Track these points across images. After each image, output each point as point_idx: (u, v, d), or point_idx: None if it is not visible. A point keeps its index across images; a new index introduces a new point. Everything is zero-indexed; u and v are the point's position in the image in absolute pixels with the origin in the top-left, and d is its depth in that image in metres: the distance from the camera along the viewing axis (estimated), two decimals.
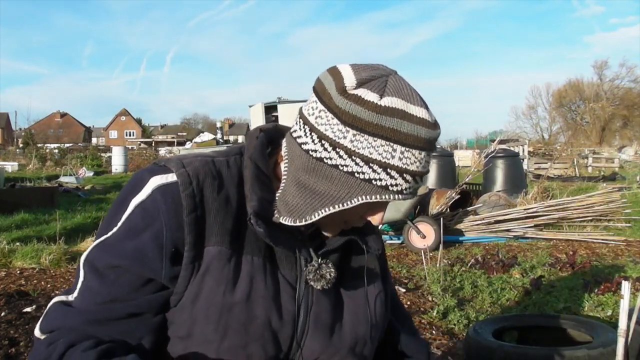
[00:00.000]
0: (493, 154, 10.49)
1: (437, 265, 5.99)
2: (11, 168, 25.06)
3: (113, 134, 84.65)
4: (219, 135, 26.26)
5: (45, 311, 1.02)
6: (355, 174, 0.94)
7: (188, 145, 30.38)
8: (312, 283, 1.07)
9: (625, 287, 2.42)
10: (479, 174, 11.17)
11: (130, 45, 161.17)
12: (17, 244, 7.12)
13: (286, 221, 1.01)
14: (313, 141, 0.97)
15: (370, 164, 0.93)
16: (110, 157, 29.46)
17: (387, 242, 7.97)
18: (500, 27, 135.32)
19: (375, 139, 0.93)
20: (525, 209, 8.56)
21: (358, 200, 0.96)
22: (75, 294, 1.00)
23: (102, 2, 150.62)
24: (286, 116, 20.26)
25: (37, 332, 1.00)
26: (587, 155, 27.31)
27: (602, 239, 7.87)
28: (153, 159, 26.65)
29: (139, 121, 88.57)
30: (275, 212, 1.03)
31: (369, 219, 1.05)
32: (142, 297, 0.99)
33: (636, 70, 54.43)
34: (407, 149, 0.94)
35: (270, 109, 22.59)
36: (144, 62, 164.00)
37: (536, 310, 4.52)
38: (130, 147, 40.11)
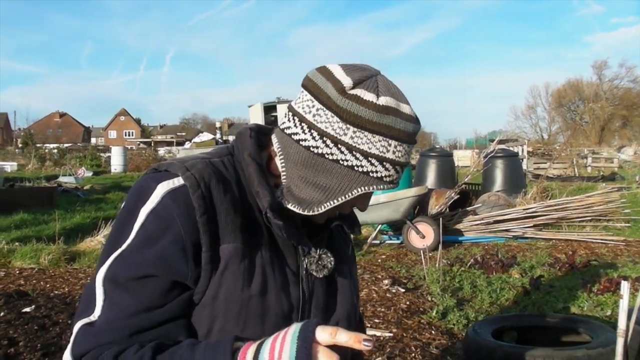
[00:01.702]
0: (492, 154, 10.48)
1: (437, 265, 5.99)
2: (10, 168, 25.04)
3: (112, 134, 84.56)
4: (218, 136, 26.15)
5: (72, 338, 1.00)
6: (355, 167, 1.04)
7: (187, 145, 30.33)
8: (315, 273, 1.15)
9: (625, 287, 2.42)
10: (478, 174, 11.17)
11: (129, 45, 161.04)
12: (16, 244, 7.12)
13: (295, 208, 1.08)
14: (313, 138, 1.04)
15: (369, 158, 1.03)
16: (109, 157, 29.43)
17: (387, 242, 7.98)
18: (500, 27, 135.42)
19: (374, 135, 1.02)
20: (524, 209, 8.56)
21: (358, 192, 1.05)
22: (98, 312, 0.99)
23: (101, 1, 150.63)
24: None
25: (67, 357, 0.99)
26: (586, 155, 27.33)
27: (602, 239, 7.88)
28: (152, 159, 26.60)
29: (138, 121, 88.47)
30: (283, 200, 1.09)
31: (358, 206, 1.14)
32: (173, 301, 1.02)
33: (636, 70, 54.49)
34: (400, 143, 1.04)
35: (269, 109, 22.62)
36: (143, 61, 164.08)
37: (535, 310, 4.53)
38: (129, 147, 40.03)
